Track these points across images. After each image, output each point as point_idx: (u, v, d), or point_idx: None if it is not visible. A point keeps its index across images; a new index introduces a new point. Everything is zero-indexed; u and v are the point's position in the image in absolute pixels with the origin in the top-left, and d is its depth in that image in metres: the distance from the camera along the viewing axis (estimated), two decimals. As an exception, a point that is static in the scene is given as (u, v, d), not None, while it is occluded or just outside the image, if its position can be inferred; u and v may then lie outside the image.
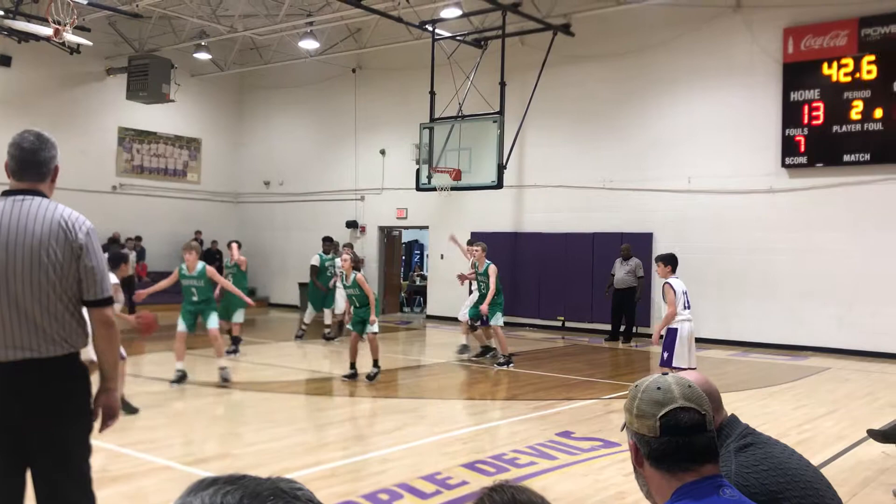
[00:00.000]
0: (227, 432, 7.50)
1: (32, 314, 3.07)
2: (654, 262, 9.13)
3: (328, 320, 14.69)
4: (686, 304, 8.32)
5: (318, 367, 12.31)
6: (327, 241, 15.44)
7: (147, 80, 18.98)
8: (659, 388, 1.97)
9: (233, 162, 23.81)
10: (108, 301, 3.22)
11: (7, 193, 3.19)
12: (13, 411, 3.06)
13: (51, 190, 3.27)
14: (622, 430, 2.08)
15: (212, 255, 22.40)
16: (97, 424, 3.35)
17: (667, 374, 2.06)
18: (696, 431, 1.91)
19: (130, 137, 21.37)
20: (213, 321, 10.17)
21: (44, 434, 3.10)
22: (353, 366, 10.53)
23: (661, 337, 8.34)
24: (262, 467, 6.02)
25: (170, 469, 5.97)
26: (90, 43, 15.13)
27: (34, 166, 3.20)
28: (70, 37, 14.63)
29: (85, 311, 3.23)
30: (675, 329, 8.21)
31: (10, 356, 3.05)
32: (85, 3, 15.90)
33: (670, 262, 8.47)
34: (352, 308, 10.81)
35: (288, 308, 21.63)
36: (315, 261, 14.88)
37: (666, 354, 8.18)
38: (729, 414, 2.77)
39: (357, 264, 11.27)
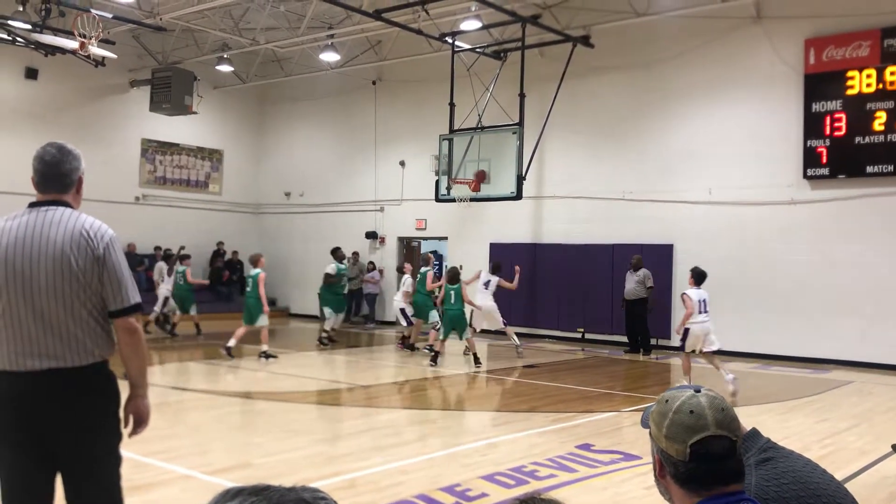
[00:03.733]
0: (247, 442, 7.54)
1: (58, 323, 3.10)
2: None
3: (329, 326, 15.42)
4: (702, 310, 10.62)
5: (338, 378, 12.33)
6: (337, 250, 16.42)
7: (170, 93, 19.19)
8: (692, 412, 1.91)
9: (254, 173, 23.99)
10: (133, 309, 3.23)
11: (32, 205, 3.25)
12: (42, 420, 3.08)
13: (76, 201, 3.32)
14: (650, 434, 2.02)
15: (233, 265, 22.58)
16: (126, 431, 3.38)
17: (699, 390, 1.99)
18: (726, 458, 1.89)
19: (153, 149, 21.60)
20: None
21: (73, 443, 3.12)
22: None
23: (679, 333, 11.02)
24: (282, 477, 6.04)
25: (191, 478, 6.01)
26: (115, 56, 15.34)
27: (56, 178, 3.26)
28: (95, 50, 14.87)
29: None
30: (688, 329, 10.72)
31: (36, 365, 3.08)
32: (110, 17, 16.14)
33: (693, 275, 11.04)
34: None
35: (308, 318, 21.71)
36: (331, 269, 15.49)
37: (682, 343, 10.85)
38: (749, 428, 2.75)
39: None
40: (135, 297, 3.25)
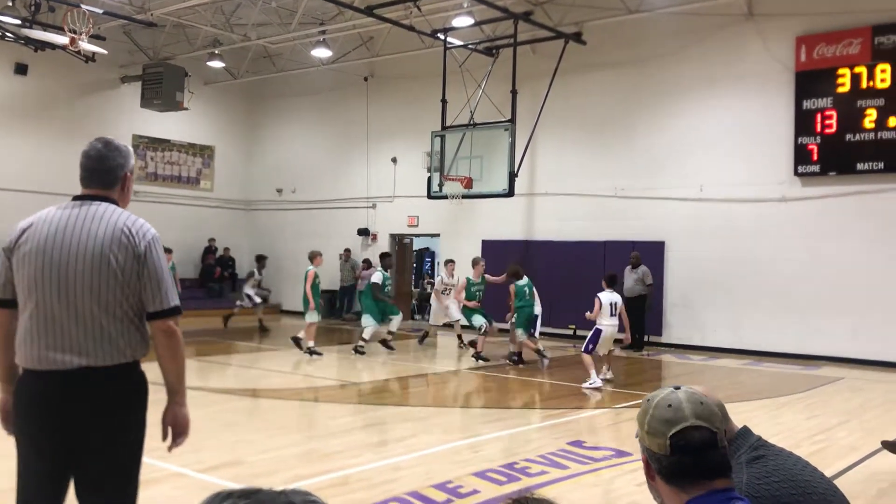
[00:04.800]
0: (240, 439, 7.53)
1: (92, 319, 3.01)
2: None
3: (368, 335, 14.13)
4: (612, 312, 10.91)
5: (331, 375, 12.33)
6: (386, 256, 15.21)
7: (161, 89, 19.11)
8: (670, 406, 1.97)
9: (245, 170, 23.93)
10: (173, 311, 3.13)
11: (76, 199, 3.19)
12: (68, 421, 2.99)
13: (122, 198, 3.25)
14: (637, 437, 2.08)
15: (224, 262, 22.53)
16: (167, 442, 3.26)
17: (679, 387, 2.06)
18: (707, 449, 1.91)
19: (144, 145, 21.52)
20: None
21: (98, 446, 3.03)
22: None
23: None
24: (275, 475, 6.04)
25: (183, 476, 6.00)
26: (105, 52, 15.29)
27: (100, 174, 3.19)
28: (86, 45, 14.80)
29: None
30: (601, 330, 10.87)
31: (66, 361, 2.99)
32: (100, 12, 16.05)
33: (605, 278, 11.33)
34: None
35: (301, 315, 21.63)
36: (377, 278, 14.36)
37: (591, 346, 10.85)
38: (740, 426, 2.76)
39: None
40: (175, 298, 3.15)
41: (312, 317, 13.47)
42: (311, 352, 13.39)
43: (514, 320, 13.03)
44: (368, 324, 14.05)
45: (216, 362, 13.10)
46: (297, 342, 13.76)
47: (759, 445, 2.68)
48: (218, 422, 8.35)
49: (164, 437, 3.24)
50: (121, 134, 20.38)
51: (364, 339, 13.92)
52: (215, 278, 22.11)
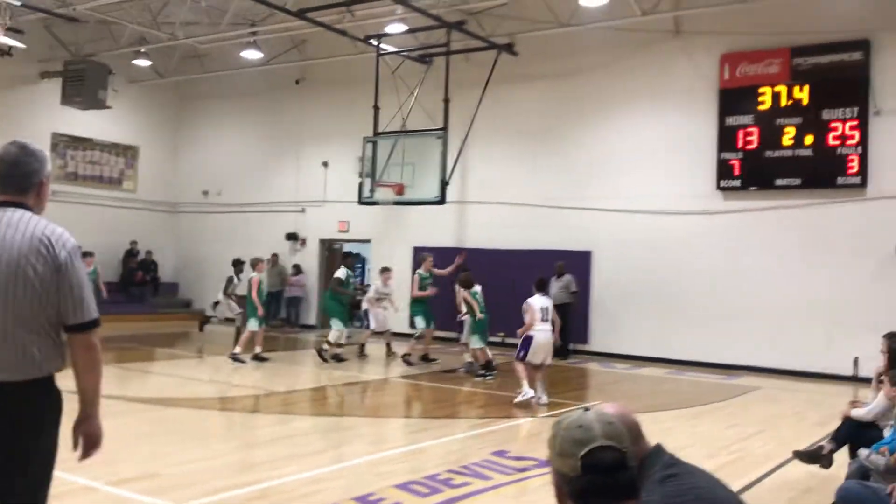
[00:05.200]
0: (156, 451, 7.29)
1: (8, 333, 2.89)
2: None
3: (343, 339, 14.05)
4: (544, 318, 10.38)
5: (254, 384, 12.09)
6: (348, 256, 15.45)
7: (83, 86, 18.46)
8: (580, 427, 1.97)
9: (171, 171, 23.35)
10: (93, 324, 3.03)
11: None
12: None
13: (38, 204, 3.12)
14: (546, 463, 2.08)
15: (146, 265, 21.94)
16: (77, 453, 3.16)
17: (588, 408, 2.06)
18: (617, 469, 1.92)
19: (64, 144, 20.79)
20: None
21: (6, 458, 2.92)
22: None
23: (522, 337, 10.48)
24: (191, 487, 5.87)
25: (95, 490, 5.77)
26: (23, 46, 14.73)
27: (15, 179, 3.06)
28: (2, 38, 14.24)
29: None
30: (531, 336, 10.32)
31: None
32: (19, 4, 15.46)
33: (535, 283, 10.81)
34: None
35: (225, 321, 21.21)
36: (341, 273, 14.27)
37: (522, 353, 10.34)
38: (654, 444, 2.78)
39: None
40: (94, 311, 3.05)
41: (254, 325, 13.42)
42: (240, 359, 13.23)
43: (467, 318, 13.13)
44: (337, 327, 13.90)
45: (135, 370, 12.72)
46: (235, 357, 13.43)
47: (672, 464, 2.70)
48: (133, 432, 8.08)
49: (75, 447, 3.14)
50: (39, 131, 19.66)
51: (333, 343, 13.79)
52: (137, 282, 21.52)
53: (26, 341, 2.92)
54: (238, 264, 16.12)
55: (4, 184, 3.06)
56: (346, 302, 14.61)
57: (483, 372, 12.68)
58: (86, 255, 15.43)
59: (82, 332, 3.02)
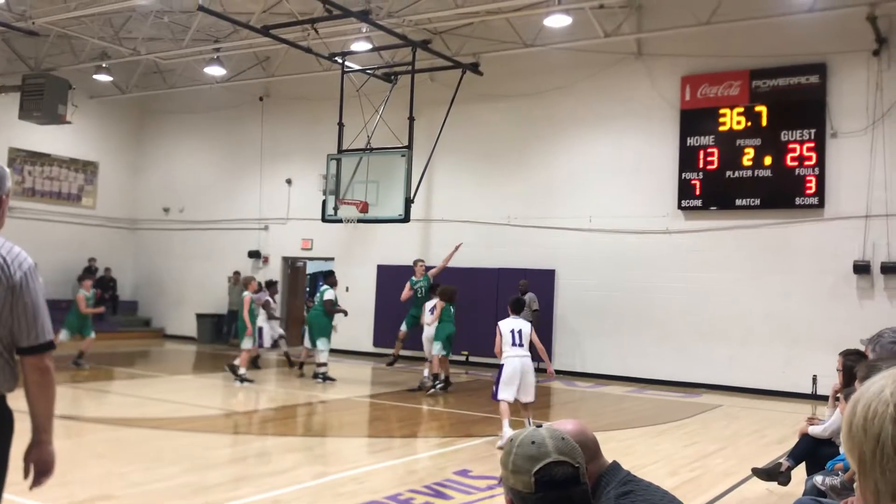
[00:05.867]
0: (109, 472, 7.12)
1: None
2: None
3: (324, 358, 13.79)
4: (516, 342, 8.99)
5: (213, 404, 11.90)
6: (331, 274, 14.87)
7: (42, 100, 18.08)
8: (533, 443, 1.96)
9: (131, 187, 23.04)
10: (47, 346, 2.95)
11: None
12: None
13: None
14: (498, 484, 2.06)
15: (105, 283, 21.55)
16: (28, 481, 3.05)
17: (541, 425, 2.05)
18: (570, 485, 1.91)
19: (22, 159, 20.42)
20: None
21: None
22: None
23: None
24: (144, 511, 5.72)
25: (43, 513, 5.60)
26: (-20, 59, 14.44)
27: None
28: (-42, 52, 13.95)
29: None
30: (502, 365, 8.96)
31: None
32: (-24, 17, 15.21)
33: (509, 303, 9.45)
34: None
35: (184, 340, 20.93)
36: (331, 295, 14.04)
37: (495, 388, 8.94)
38: (610, 461, 2.77)
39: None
40: (50, 333, 2.97)
41: (248, 343, 13.34)
42: (242, 379, 13.01)
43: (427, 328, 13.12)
44: (324, 347, 13.72)
45: (91, 389, 12.44)
46: (233, 369, 13.22)
47: (629, 480, 2.69)
48: (88, 453, 7.89)
49: (26, 475, 3.04)
50: (-4, 146, 19.32)
51: (324, 364, 13.62)
52: (95, 300, 21.08)
53: None
54: (271, 285, 15.84)
55: None
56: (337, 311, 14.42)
57: (436, 383, 12.62)
58: (84, 277, 14.90)
59: (36, 354, 2.94)
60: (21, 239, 3.05)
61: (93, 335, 14.62)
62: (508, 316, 9.24)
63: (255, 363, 14.71)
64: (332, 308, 14.02)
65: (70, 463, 7.42)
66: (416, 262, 14.70)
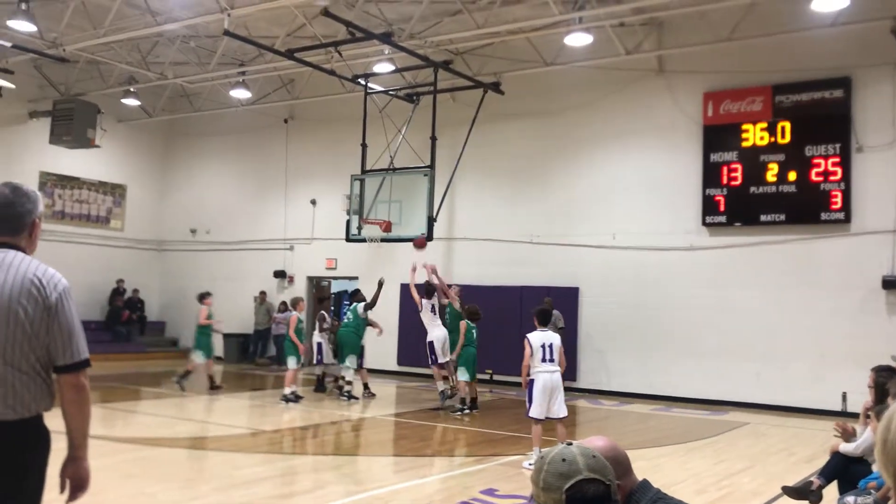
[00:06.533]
0: (140, 491, 7.20)
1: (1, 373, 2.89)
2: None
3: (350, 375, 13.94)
4: (546, 357, 8.75)
5: (241, 423, 11.98)
6: (358, 292, 15.00)
7: (72, 125, 18.53)
8: (564, 460, 1.98)
9: (158, 209, 23.35)
10: (82, 364, 3.03)
11: None
12: None
13: (30, 244, 3.13)
14: (529, 502, 2.08)
15: (133, 304, 21.81)
16: (64, 496, 3.12)
17: (571, 443, 2.07)
18: (601, 502, 1.92)
19: (52, 182, 20.79)
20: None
21: None
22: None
23: (525, 387, 8.94)
24: (174, 530, 5.79)
25: (75, 533, 5.68)
26: (13, 86, 14.79)
27: (7, 220, 3.07)
28: (-9, 79, 14.30)
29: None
30: (532, 380, 8.73)
31: None
32: (9, 45, 15.56)
33: (536, 314, 9.09)
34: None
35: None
36: (362, 308, 14.19)
37: (528, 405, 8.74)
38: (640, 479, 2.79)
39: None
40: (85, 351, 3.05)
41: (292, 363, 13.41)
42: (286, 399, 13.10)
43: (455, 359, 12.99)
44: (352, 365, 13.86)
45: (121, 409, 12.57)
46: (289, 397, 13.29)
47: (658, 499, 2.70)
48: (119, 473, 7.98)
49: (63, 490, 3.11)
50: (27, 170, 19.71)
51: (349, 382, 13.80)
52: (123, 321, 21.36)
53: (16, 381, 2.92)
54: (323, 300, 15.86)
55: None
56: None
57: (461, 406, 12.62)
58: (205, 295, 14.93)
59: (72, 372, 3.01)
60: (51, 261, 3.14)
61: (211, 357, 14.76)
62: (535, 329, 8.94)
63: (321, 384, 14.77)
64: (364, 324, 14.10)
65: (100, 483, 7.50)
66: (449, 287, 14.50)
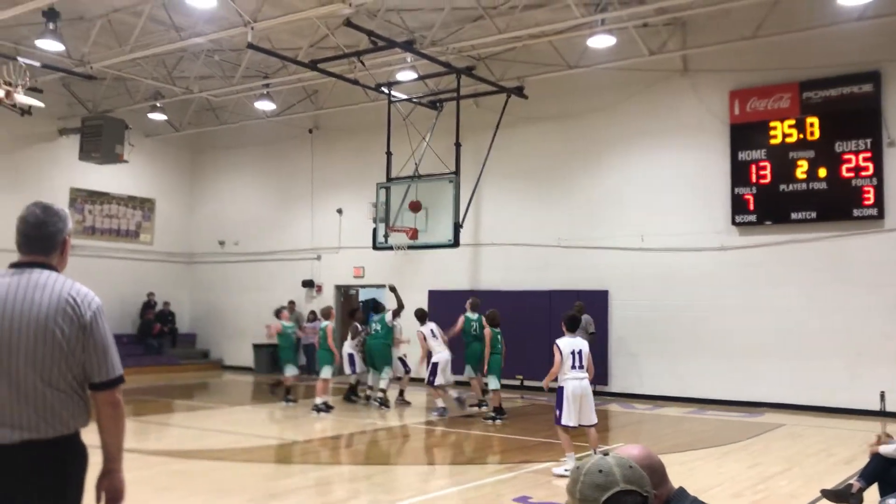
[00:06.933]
0: (174, 504, 7.25)
1: (35, 392, 2.93)
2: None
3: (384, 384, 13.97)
4: (576, 364, 8.65)
5: (272, 433, 12.03)
6: (378, 303, 15.14)
7: (100, 141, 18.79)
8: (601, 471, 1.95)
9: (187, 222, 23.58)
10: (117, 381, 3.09)
11: (14, 265, 3.10)
12: (5, 492, 2.89)
13: (61, 263, 3.19)
14: None
15: (164, 317, 22.02)
16: None
17: (607, 453, 2.04)
18: None
19: (82, 198, 21.08)
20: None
21: None
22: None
23: (549, 389, 8.99)
24: (209, 542, 5.81)
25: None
26: (42, 105, 14.99)
27: (39, 240, 3.12)
28: (22, 99, 14.52)
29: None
30: (562, 387, 8.61)
31: (7, 437, 2.89)
32: (38, 65, 15.81)
33: (564, 321, 8.96)
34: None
35: (242, 370, 21.24)
36: (389, 317, 14.20)
37: (558, 412, 8.60)
38: (677, 487, 2.74)
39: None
40: (119, 368, 3.11)
41: (327, 372, 13.41)
42: (318, 409, 13.12)
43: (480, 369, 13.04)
44: (387, 375, 13.96)
45: (152, 422, 12.69)
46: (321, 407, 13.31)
47: (695, 507, 2.66)
48: (153, 486, 8.03)
49: (98, 502, 3.15)
50: (57, 187, 20.01)
51: (382, 390, 13.85)
52: (154, 334, 21.58)
53: (54, 400, 2.96)
54: (354, 313, 15.87)
55: (30, 245, 3.12)
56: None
57: (493, 415, 12.57)
58: (281, 310, 14.98)
59: (107, 389, 3.07)
60: (82, 276, 3.18)
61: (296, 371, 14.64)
62: (563, 335, 8.85)
63: (353, 393, 14.76)
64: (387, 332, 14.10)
65: (135, 495, 7.56)
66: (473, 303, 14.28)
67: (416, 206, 14.89)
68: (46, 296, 2.99)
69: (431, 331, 13.56)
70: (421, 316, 13.83)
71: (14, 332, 2.94)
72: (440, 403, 13.24)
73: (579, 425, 8.63)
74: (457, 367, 14.24)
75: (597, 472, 1.97)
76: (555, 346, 8.74)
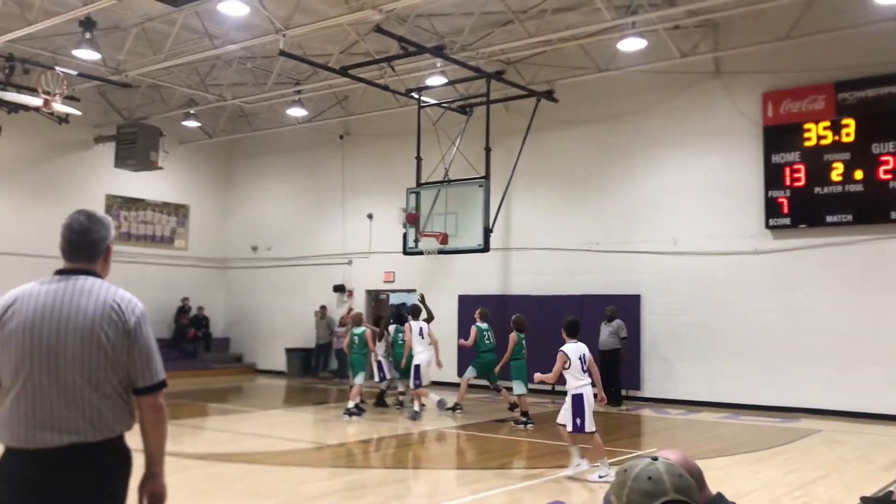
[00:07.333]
0: (211, 507, 7.33)
1: (82, 396, 3.00)
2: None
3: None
4: (584, 368, 8.62)
5: (306, 437, 12.11)
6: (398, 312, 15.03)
7: (135, 148, 19.09)
8: (650, 479, 1.93)
9: (220, 228, 23.85)
10: (160, 386, 3.15)
11: (60, 272, 3.17)
12: (52, 495, 2.96)
13: (104, 270, 3.26)
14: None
15: (198, 321, 22.27)
16: None
17: (656, 458, 2.02)
18: None
19: (118, 205, 21.41)
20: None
21: None
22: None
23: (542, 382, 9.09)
24: (245, 545, 5.86)
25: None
26: (79, 113, 15.28)
27: (84, 247, 3.19)
28: (59, 107, 14.83)
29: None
30: (581, 395, 8.51)
31: (55, 440, 2.96)
32: (75, 73, 16.10)
33: (565, 326, 8.92)
34: None
35: (275, 374, 21.41)
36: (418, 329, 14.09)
37: (579, 421, 8.48)
38: (715, 492, 2.72)
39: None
40: (162, 373, 3.18)
41: (361, 378, 13.39)
42: (349, 412, 13.15)
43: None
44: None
45: (188, 425, 12.82)
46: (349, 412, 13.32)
47: (734, 513, 2.64)
48: (189, 489, 8.13)
49: None
50: (94, 194, 20.35)
51: (403, 393, 14.05)
52: (189, 339, 21.83)
53: (100, 405, 3.02)
54: (380, 319, 15.86)
55: (75, 252, 3.19)
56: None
57: (524, 420, 12.53)
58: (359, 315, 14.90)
59: (151, 393, 3.13)
60: (118, 281, 3.24)
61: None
62: (566, 342, 8.80)
63: (381, 400, 14.76)
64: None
65: (173, 498, 7.65)
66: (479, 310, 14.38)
67: (413, 219, 14.88)
68: (92, 302, 3.05)
69: (420, 329, 13.54)
70: (415, 312, 13.80)
71: (61, 338, 3.00)
72: (416, 407, 13.20)
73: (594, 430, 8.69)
74: (459, 371, 14.25)
75: (646, 479, 1.94)
76: (561, 354, 8.69)
